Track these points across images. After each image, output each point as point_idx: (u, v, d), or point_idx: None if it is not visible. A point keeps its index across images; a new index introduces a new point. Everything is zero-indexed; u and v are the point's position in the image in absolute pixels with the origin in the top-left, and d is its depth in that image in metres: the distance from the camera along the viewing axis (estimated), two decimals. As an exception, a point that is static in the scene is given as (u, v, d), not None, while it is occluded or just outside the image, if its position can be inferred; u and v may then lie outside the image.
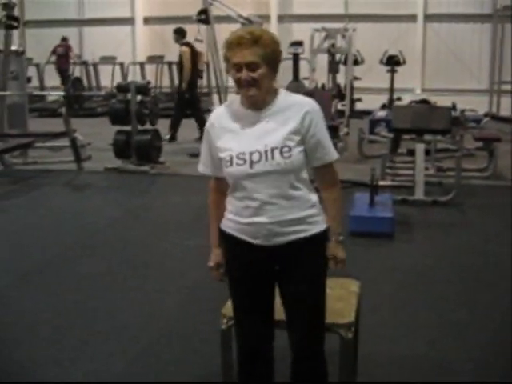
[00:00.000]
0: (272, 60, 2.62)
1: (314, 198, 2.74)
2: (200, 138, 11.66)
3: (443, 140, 9.12)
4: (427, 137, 8.43)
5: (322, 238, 2.75)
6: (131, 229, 6.57)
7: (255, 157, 2.62)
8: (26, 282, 5.10)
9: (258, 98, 2.65)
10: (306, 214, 2.70)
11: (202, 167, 2.86)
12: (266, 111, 2.67)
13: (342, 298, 3.07)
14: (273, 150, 2.61)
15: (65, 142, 9.53)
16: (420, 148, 7.88)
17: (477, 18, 17.00)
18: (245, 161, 2.63)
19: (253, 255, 2.73)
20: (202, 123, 11.84)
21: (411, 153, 8.34)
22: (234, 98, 2.75)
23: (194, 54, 11.93)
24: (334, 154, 2.73)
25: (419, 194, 7.39)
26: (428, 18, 17.29)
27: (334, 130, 9.37)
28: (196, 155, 10.41)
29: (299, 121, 2.64)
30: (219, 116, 2.76)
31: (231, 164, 2.66)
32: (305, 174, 2.71)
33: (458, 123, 9.41)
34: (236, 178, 2.68)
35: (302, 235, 2.70)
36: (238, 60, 2.58)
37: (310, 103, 2.70)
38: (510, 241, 6.06)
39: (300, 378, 2.78)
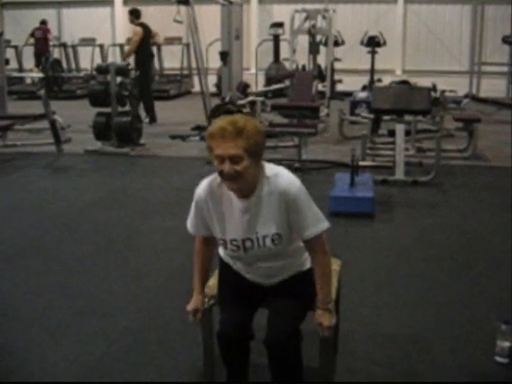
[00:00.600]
0: (255, 151, 2.62)
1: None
2: (150, 122, 11.62)
3: (423, 121, 9.16)
4: (407, 117, 8.46)
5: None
6: (112, 211, 6.55)
7: (248, 244, 2.76)
8: (6, 264, 5.07)
9: (242, 189, 2.69)
10: (298, 262, 2.91)
11: (193, 229, 2.95)
12: (252, 198, 2.72)
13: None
14: (264, 238, 2.74)
15: (44, 124, 9.46)
16: (400, 128, 7.91)
17: (457, 0, 16.98)
18: (238, 247, 2.78)
19: (248, 283, 2.94)
20: (148, 106, 11.74)
21: (391, 133, 8.37)
22: None
23: (147, 35, 11.83)
24: (316, 230, 2.74)
25: (399, 174, 7.43)
26: (408, -1, 17.27)
27: (314, 111, 9.40)
28: (177, 137, 10.36)
29: (280, 207, 2.70)
30: (208, 196, 2.79)
31: (225, 247, 2.82)
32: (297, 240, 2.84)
33: (438, 104, 9.45)
34: (231, 256, 2.88)
35: (294, 272, 2.91)
36: (220, 152, 2.58)
37: (285, 188, 2.69)
38: (488, 220, 6.13)
39: (271, 349, 2.76)
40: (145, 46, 11.69)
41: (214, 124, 2.64)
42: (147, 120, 11.51)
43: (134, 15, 11.79)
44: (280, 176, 2.73)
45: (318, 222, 2.75)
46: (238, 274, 2.95)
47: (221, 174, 2.63)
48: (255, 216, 2.73)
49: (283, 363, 2.79)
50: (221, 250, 3.00)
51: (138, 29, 11.64)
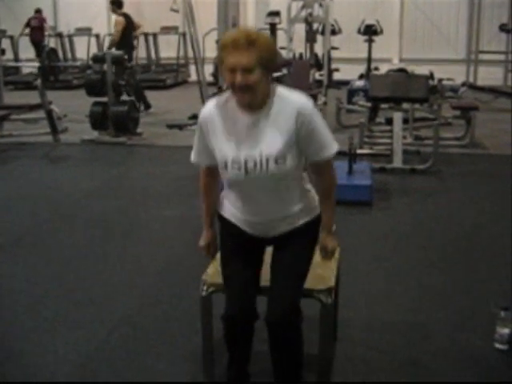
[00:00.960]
0: (267, 64, 2.58)
1: (307, 186, 2.86)
2: (146, 109, 11.58)
3: (421, 109, 9.13)
4: (405, 105, 8.44)
5: (315, 221, 2.89)
6: (109, 200, 6.53)
7: (250, 164, 2.66)
8: (3, 254, 5.06)
9: (252, 102, 2.64)
10: (300, 207, 2.83)
11: (196, 158, 2.90)
12: (261, 113, 2.66)
13: (322, 264, 3.06)
14: (268, 159, 2.64)
15: (41, 114, 9.43)
16: (398, 116, 7.89)
17: (454, -13, 16.94)
18: (240, 167, 2.68)
19: (248, 237, 2.87)
20: (137, 94, 11.58)
21: (389, 122, 8.34)
22: (229, 95, 2.69)
23: (130, 26, 11.75)
24: (329, 151, 2.72)
25: (397, 162, 7.42)
26: (405, -13, 17.19)
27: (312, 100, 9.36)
28: (174, 126, 10.31)
29: (293, 124, 2.63)
30: (213, 113, 2.74)
31: (226, 168, 2.71)
32: (299, 170, 2.77)
33: (435, 92, 9.43)
34: (231, 181, 2.77)
35: (296, 224, 2.84)
36: (232, 62, 2.53)
37: (302, 103, 2.66)
38: (487, 208, 6.12)
39: (271, 327, 2.74)
40: (127, 36, 11.62)
41: (227, 35, 2.60)
42: (142, 108, 11.46)
43: (116, 5, 11.70)
44: (293, 95, 2.69)
45: (331, 143, 2.73)
46: (239, 234, 2.87)
47: (232, 86, 2.58)
48: (261, 132, 2.66)
49: (284, 341, 2.78)
50: (221, 206, 2.94)
51: (121, 19, 11.57)
